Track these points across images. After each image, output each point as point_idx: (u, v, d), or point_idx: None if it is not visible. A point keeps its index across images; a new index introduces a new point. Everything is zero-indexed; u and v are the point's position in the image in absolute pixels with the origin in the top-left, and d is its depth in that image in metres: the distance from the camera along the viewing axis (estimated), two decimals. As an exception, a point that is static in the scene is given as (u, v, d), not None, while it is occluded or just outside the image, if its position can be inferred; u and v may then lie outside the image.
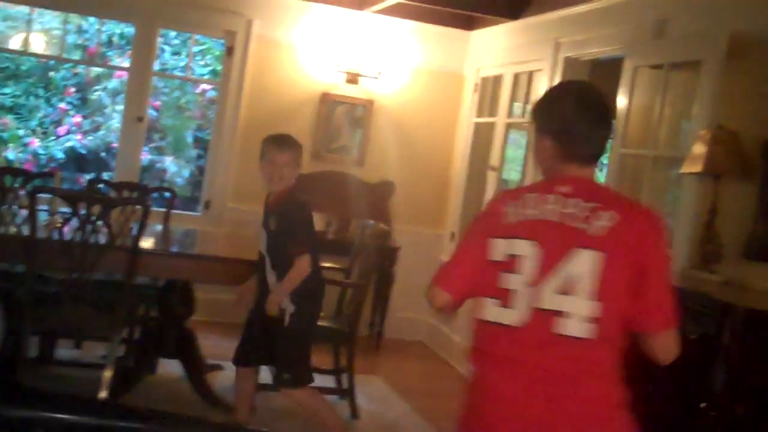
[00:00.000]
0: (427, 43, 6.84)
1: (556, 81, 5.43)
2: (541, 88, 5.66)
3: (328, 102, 6.66)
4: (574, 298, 2.04)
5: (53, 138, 8.67)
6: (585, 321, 2.03)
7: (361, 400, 4.82)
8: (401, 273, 6.41)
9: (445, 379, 5.98)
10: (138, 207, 4.29)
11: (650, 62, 4.57)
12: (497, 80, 6.43)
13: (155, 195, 6.08)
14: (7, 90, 8.73)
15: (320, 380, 4.77)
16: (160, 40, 7.11)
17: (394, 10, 6.46)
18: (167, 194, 5.61)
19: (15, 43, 8.52)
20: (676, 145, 4.53)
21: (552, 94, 2.35)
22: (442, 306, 2.29)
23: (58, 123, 8.76)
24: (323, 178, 6.56)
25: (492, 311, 2.12)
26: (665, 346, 2.13)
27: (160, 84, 8.57)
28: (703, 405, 3.05)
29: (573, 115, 2.14)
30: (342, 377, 4.84)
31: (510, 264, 2.10)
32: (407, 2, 6.11)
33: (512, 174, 6.75)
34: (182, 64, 8.32)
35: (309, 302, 3.84)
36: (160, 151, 8.76)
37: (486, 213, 2.29)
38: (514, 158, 6.63)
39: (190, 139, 8.84)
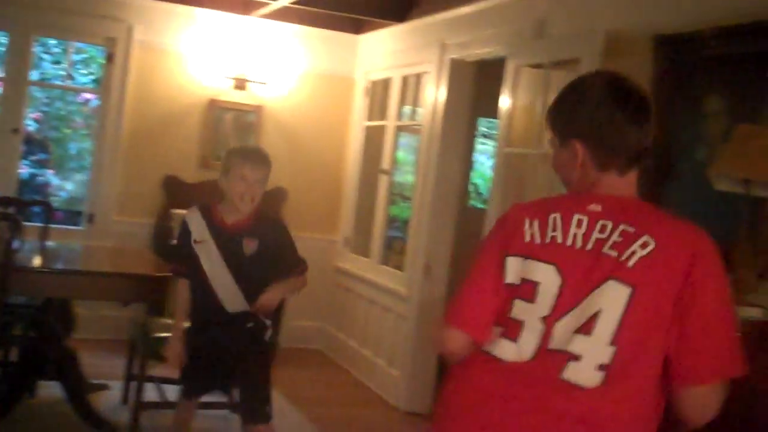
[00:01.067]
0: (315, 47, 6.77)
1: (444, 82, 5.46)
2: (429, 90, 5.67)
3: (215, 109, 6.52)
4: (591, 339, 1.69)
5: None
6: (602, 368, 1.69)
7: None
8: (296, 280, 6.30)
9: (342, 387, 5.92)
10: (7, 222, 4.07)
11: (531, 61, 4.61)
12: (386, 83, 6.41)
13: (36, 209, 5.85)
14: None
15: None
16: (38, 48, 6.84)
17: (280, 15, 6.36)
18: (44, 208, 5.38)
19: None
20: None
21: (576, 89, 1.89)
22: (458, 350, 1.85)
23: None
24: (212, 187, 6.38)
25: (493, 342, 1.79)
26: (702, 402, 1.71)
27: (39, 94, 8.24)
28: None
29: (608, 111, 1.78)
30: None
31: (524, 290, 1.76)
32: (294, 6, 6.03)
33: (406, 176, 6.74)
34: (63, 73, 8.03)
35: (277, 320, 3.67)
36: (43, 164, 8.43)
37: (501, 226, 1.88)
38: (406, 161, 6.63)
39: (74, 151, 8.54)
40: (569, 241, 1.75)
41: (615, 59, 3.88)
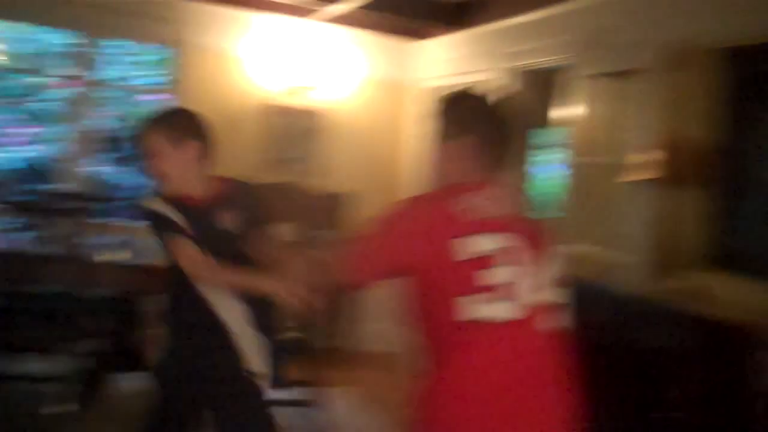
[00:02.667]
0: (374, 53, 6.88)
1: (500, 91, 5.52)
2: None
3: (274, 113, 6.66)
4: (547, 291, 2.12)
5: (3, 149, 8.52)
6: (554, 312, 2.13)
7: (332, 413, 4.81)
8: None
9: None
10: (87, 218, 4.24)
11: (593, 71, 4.67)
12: (443, 90, 6.46)
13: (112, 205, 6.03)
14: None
15: (289, 393, 4.76)
16: (102, 50, 7.01)
17: (339, 19, 6.47)
18: (121, 204, 5.54)
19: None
20: (617, 152, 4.63)
21: (461, 98, 2.35)
22: (355, 286, 2.26)
23: (7, 134, 8.61)
24: (269, 190, 6.53)
25: (472, 309, 2.03)
26: None
27: (107, 94, 8.46)
28: (656, 414, 3.08)
29: (489, 119, 2.23)
30: (311, 390, 4.80)
31: (488, 260, 2.04)
32: (353, 11, 6.14)
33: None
34: (126, 74, 8.24)
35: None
36: (111, 162, 8.65)
37: (423, 214, 2.15)
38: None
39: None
40: (493, 213, 2.10)
41: (679, 70, 3.92)
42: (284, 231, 6.41)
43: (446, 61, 6.52)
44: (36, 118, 8.71)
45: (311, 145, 6.76)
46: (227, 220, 2.83)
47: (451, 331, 2.07)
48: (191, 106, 6.26)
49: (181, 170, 2.70)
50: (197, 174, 2.78)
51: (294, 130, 6.73)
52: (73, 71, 6.64)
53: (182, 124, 2.76)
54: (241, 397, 2.76)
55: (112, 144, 8.67)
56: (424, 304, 2.12)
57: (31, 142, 8.57)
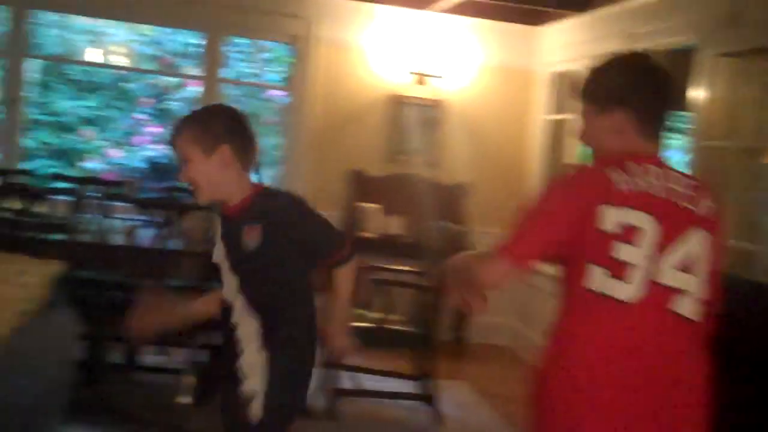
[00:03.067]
0: (494, 40, 6.78)
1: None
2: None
3: (397, 104, 6.66)
4: (691, 277, 1.98)
5: (131, 148, 8.89)
6: (698, 303, 1.99)
7: (445, 407, 4.78)
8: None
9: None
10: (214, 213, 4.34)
11: (725, 50, 4.44)
12: (569, 75, 6.34)
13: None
14: (87, 102, 8.99)
15: (403, 386, 4.80)
16: (231, 48, 7.24)
17: (459, 8, 6.41)
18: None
19: (93, 56, 8.77)
20: (760, 135, 4.39)
21: (618, 64, 2.13)
22: (501, 281, 2.00)
23: (135, 133, 8.98)
24: (396, 181, 6.57)
25: (602, 281, 1.95)
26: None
27: (234, 92, 8.71)
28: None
29: (646, 82, 2.07)
30: (425, 383, 4.80)
31: (626, 235, 1.94)
32: (471, 0, 6.06)
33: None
34: (254, 71, 8.43)
35: (293, 376, 2.46)
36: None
37: (578, 181, 2.07)
38: (590, 156, 6.52)
39: (267, 146, 8.96)
40: (654, 190, 1.98)
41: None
42: (397, 223, 6.44)
43: (569, 45, 6.35)
44: (162, 116, 9.04)
45: (434, 135, 6.72)
46: (251, 236, 2.45)
47: (580, 300, 2.00)
48: (316, 100, 6.53)
49: (214, 177, 2.42)
50: (232, 180, 2.45)
51: (418, 119, 6.72)
52: (200, 70, 6.84)
53: (214, 126, 2.42)
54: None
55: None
56: (565, 271, 2.05)
57: (156, 141, 8.89)
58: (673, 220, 1.97)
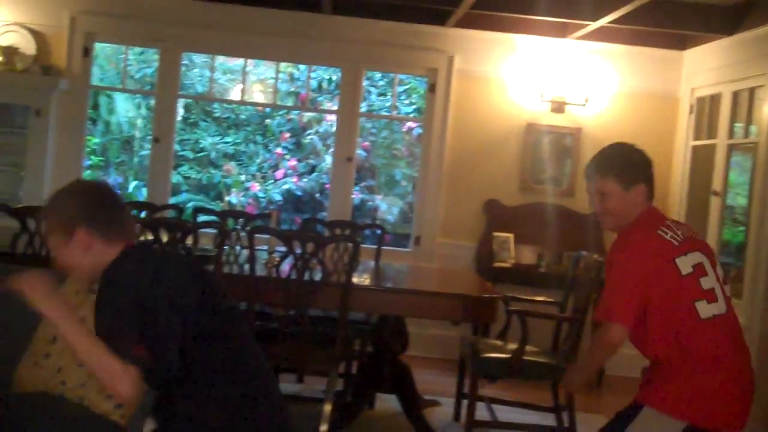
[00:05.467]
0: (634, 66, 6.61)
1: None
2: (764, 104, 5.31)
3: (534, 132, 6.58)
4: (725, 287, 2.79)
5: (271, 181, 9.14)
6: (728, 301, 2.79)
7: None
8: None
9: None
10: (350, 244, 4.38)
11: None
12: (714, 99, 6.10)
13: (367, 232, 6.24)
14: (228, 138, 9.33)
15: (541, 418, 4.68)
16: (366, 82, 7.34)
17: (597, 35, 6.30)
18: (378, 231, 5.69)
19: (234, 94, 9.10)
20: None
21: (621, 148, 3.05)
22: (621, 342, 2.72)
23: (275, 167, 9.23)
24: (533, 210, 6.47)
25: (706, 309, 2.68)
26: None
27: (368, 125, 8.83)
28: None
29: (641, 159, 2.97)
30: (562, 415, 4.67)
31: (699, 271, 2.71)
32: (610, 26, 5.93)
33: (738, 199, 6.34)
34: (388, 104, 8.52)
35: None
36: (371, 190, 9.00)
37: (647, 247, 2.73)
38: (738, 182, 6.24)
39: (399, 177, 9.03)
40: (685, 234, 2.77)
41: None
42: (531, 253, 6.32)
43: (715, 68, 6.11)
44: (301, 149, 9.25)
45: (573, 163, 6.59)
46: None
47: (697, 330, 2.67)
48: (451, 130, 6.52)
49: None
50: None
51: (554, 147, 6.61)
52: (337, 104, 6.95)
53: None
54: None
55: (371, 172, 9.00)
56: (667, 319, 2.68)
57: (298, 174, 9.10)
58: (702, 250, 2.77)
